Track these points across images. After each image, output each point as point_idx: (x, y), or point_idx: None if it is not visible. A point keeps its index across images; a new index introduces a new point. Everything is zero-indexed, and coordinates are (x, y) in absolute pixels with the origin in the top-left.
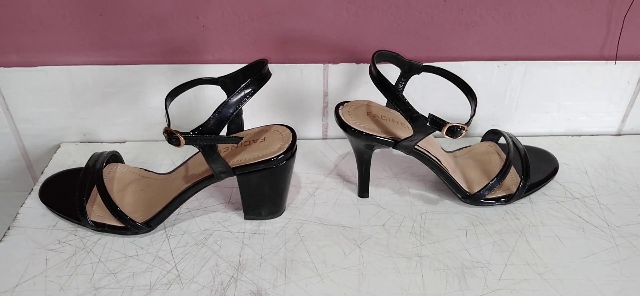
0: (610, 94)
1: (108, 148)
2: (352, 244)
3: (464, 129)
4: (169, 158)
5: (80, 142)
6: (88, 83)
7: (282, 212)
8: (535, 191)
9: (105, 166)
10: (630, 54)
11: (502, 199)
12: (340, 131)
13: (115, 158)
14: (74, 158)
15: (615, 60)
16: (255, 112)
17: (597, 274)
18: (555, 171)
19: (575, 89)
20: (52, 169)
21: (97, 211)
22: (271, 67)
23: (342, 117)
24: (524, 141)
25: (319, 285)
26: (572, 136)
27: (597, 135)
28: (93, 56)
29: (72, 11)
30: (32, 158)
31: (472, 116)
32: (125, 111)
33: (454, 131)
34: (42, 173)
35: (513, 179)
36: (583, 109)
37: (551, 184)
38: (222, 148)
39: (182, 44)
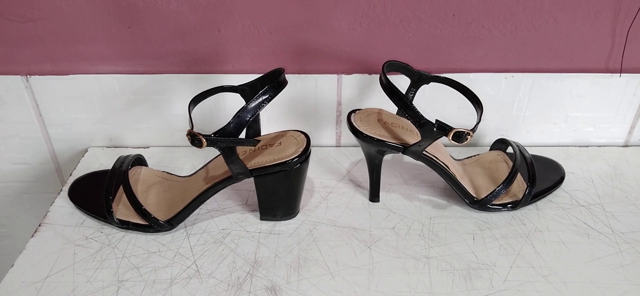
0: (617, 106)
1: (133, 152)
2: (362, 245)
3: (469, 135)
4: (190, 163)
5: (107, 147)
6: (116, 91)
7: (296, 214)
8: (542, 198)
9: (130, 169)
10: (635, 67)
11: (508, 205)
12: (353, 139)
13: (139, 161)
14: (101, 161)
15: (620, 73)
16: (272, 120)
17: (601, 277)
18: (561, 179)
19: (582, 101)
20: (80, 172)
21: (122, 209)
22: (288, 77)
23: (354, 124)
24: (532, 151)
25: (330, 282)
26: (580, 146)
27: (604, 146)
28: (121, 66)
29: (104, 24)
30: (60, 161)
31: (477, 123)
32: (150, 118)
33: (459, 137)
34: (70, 175)
35: (520, 186)
36: (590, 121)
37: (557, 192)
38: (240, 151)
39: (204, 55)
